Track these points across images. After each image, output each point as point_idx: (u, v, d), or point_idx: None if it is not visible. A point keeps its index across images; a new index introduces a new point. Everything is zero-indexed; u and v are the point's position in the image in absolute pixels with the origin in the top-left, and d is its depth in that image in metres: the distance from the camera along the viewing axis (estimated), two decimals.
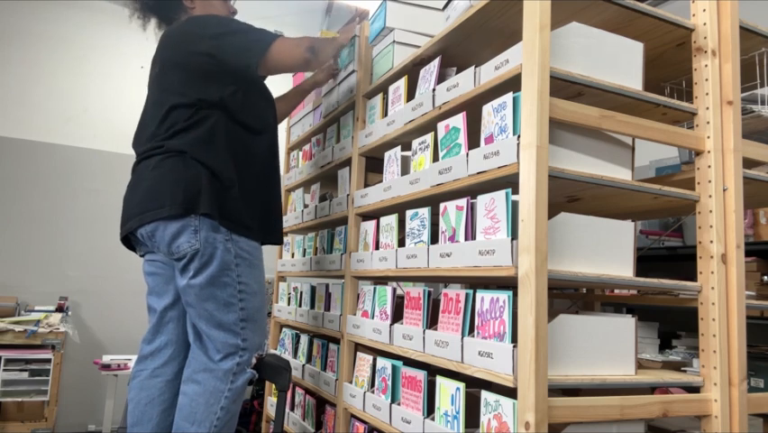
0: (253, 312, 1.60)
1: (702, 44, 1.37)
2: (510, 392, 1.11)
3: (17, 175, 3.73)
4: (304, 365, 2.20)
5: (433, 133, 1.54)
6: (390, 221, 1.68)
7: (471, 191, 1.36)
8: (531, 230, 1.07)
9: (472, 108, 1.40)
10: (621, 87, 1.26)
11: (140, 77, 3.99)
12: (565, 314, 1.15)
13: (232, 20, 1.72)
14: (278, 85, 2.28)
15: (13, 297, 3.51)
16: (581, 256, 1.19)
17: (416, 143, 1.60)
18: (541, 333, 1.04)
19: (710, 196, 1.31)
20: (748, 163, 1.39)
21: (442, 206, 1.42)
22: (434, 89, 1.53)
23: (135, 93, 3.92)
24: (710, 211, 1.30)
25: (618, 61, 1.28)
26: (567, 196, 1.43)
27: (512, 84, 1.23)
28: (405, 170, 1.68)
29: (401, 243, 1.60)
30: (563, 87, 1.23)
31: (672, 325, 2.32)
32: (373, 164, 2.01)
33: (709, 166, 1.32)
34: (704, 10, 1.38)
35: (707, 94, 1.35)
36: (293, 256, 2.59)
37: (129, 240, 1.70)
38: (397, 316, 1.60)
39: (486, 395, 1.19)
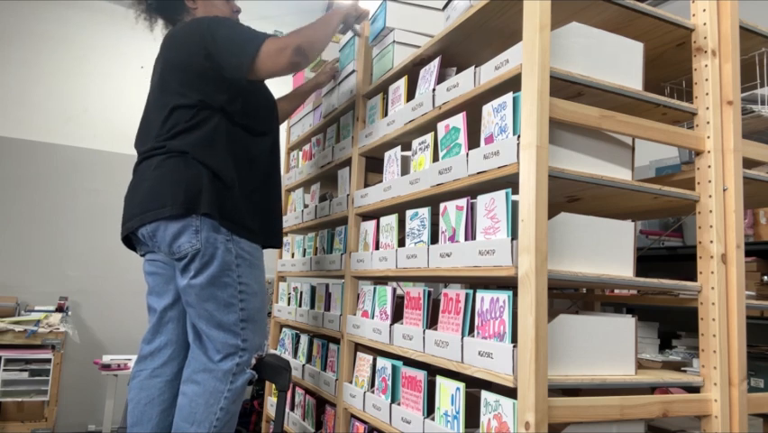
0: (253, 313, 1.60)
1: (702, 44, 1.37)
2: (510, 392, 1.11)
3: (17, 175, 3.73)
4: (304, 365, 2.20)
5: (433, 133, 1.54)
6: (390, 221, 1.68)
7: (471, 191, 1.36)
8: (531, 230, 1.07)
9: (472, 108, 1.40)
10: (621, 87, 1.26)
11: (140, 77, 4.01)
12: (565, 314, 1.15)
13: (226, 21, 1.67)
14: (279, 85, 2.28)
15: (13, 297, 3.52)
16: (581, 256, 1.19)
17: (415, 143, 1.60)
18: (541, 333, 1.04)
19: (710, 196, 1.31)
20: (748, 163, 1.39)
21: (442, 206, 1.42)
22: (434, 89, 1.53)
23: (135, 93, 3.92)
24: (710, 211, 1.30)
25: (618, 61, 1.28)
26: (567, 196, 1.43)
27: (512, 84, 1.23)
28: (405, 170, 1.67)
29: (401, 243, 1.60)
30: (563, 87, 1.23)
31: (672, 325, 2.32)
32: (373, 164, 2.01)
33: (709, 166, 1.32)
34: (704, 10, 1.38)
35: (707, 94, 1.35)
36: (293, 256, 2.59)
37: (130, 240, 1.70)
38: (397, 316, 1.60)
39: (486, 395, 1.19)
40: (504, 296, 1.18)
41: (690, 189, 1.33)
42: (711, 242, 1.29)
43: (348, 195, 1.98)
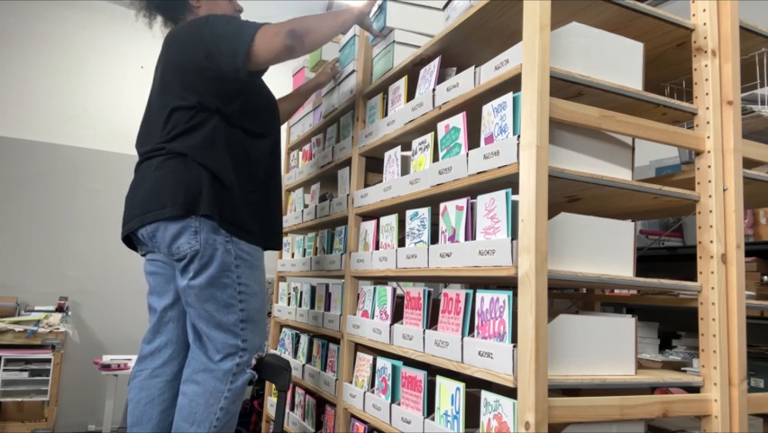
0: (253, 313, 1.60)
1: (702, 44, 1.37)
2: (510, 392, 1.11)
3: (17, 175, 3.73)
4: (304, 365, 2.20)
5: (433, 133, 1.54)
6: (390, 221, 1.68)
7: (471, 191, 1.36)
8: (531, 230, 1.07)
9: (472, 108, 1.40)
10: (621, 87, 1.26)
11: (140, 77, 4.01)
12: (565, 314, 1.15)
13: (221, 18, 1.64)
14: (279, 85, 2.29)
15: (13, 297, 3.52)
16: (581, 256, 1.19)
17: (415, 143, 1.60)
18: (541, 333, 1.04)
19: (710, 196, 1.31)
20: (748, 163, 1.39)
21: (442, 206, 1.42)
22: (434, 89, 1.53)
23: (135, 93, 3.93)
24: (710, 211, 1.30)
25: (618, 61, 1.28)
26: (567, 196, 1.43)
27: (512, 84, 1.23)
28: (405, 170, 1.67)
29: (401, 243, 1.60)
30: (563, 87, 1.23)
31: (672, 325, 2.32)
32: (373, 164, 2.01)
33: (709, 166, 1.32)
34: (704, 10, 1.38)
35: (707, 94, 1.35)
36: (293, 256, 2.59)
37: (130, 239, 1.70)
38: (397, 316, 1.60)
39: (486, 395, 1.19)
40: (504, 296, 1.18)
41: (690, 189, 1.33)
42: (711, 242, 1.29)
43: (348, 195, 1.98)
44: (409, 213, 1.57)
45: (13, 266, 3.66)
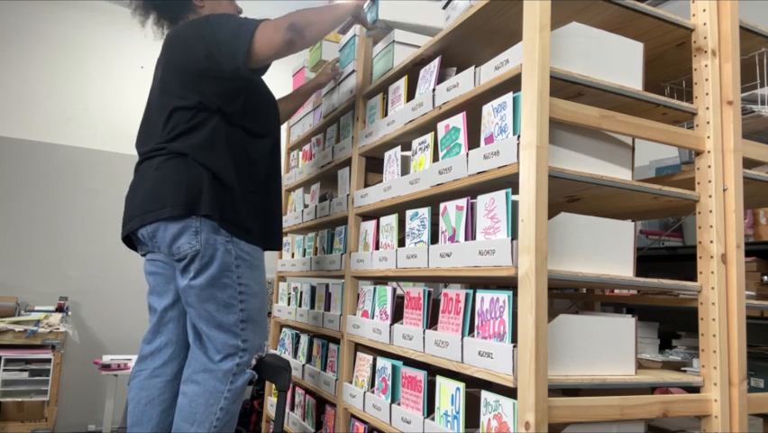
0: (254, 313, 1.60)
1: (702, 44, 1.37)
2: (510, 392, 1.11)
3: (17, 175, 3.73)
4: (304, 365, 2.20)
5: (433, 133, 1.54)
6: (390, 221, 1.68)
7: (471, 191, 1.36)
8: (531, 230, 1.07)
9: (472, 108, 1.40)
10: (621, 87, 1.26)
11: (140, 77, 4.01)
12: (565, 314, 1.15)
13: (221, 18, 1.64)
14: (279, 86, 2.29)
15: (13, 297, 3.51)
16: (581, 256, 1.19)
17: (415, 143, 1.60)
18: (541, 333, 1.04)
19: (710, 196, 1.31)
20: (748, 163, 1.39)
21: (442, 206, 1.42)
22: (434, 89, 1.53)
23: (135, 93, 3.93)
24: (710, 211, 1.30)
25: (618, 61, 1.28)
26: (567, 196, 1.43)
27: (512, 84, 1.23)
28: (405, 170, 1.67)
29: (401, 243, 1.60)
30: (563, 87, 1.23)
31: (672, 325, 2.32)
32: (373, 164, 2.01)
33: (709, 166, 1.32)
34: (704, 10, 1.38)
35: (707, 94, 1.35)
36: (293, 256, 2.59)
37: (130, 239, 1.70)
38: (397, 316, 1.60)
39: (486, 395, 1.19)
40: (504, 296, 1.18)
41: (690, 189, 1.33)
42: (711, 242, 1.29)
43: (348, 195, 1.98)
44: (409, 213, 1.57)
45: (13, 266, 3.66)
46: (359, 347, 1.85)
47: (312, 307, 2.26)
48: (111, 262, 3.83)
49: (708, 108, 1.34)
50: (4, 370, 3.01)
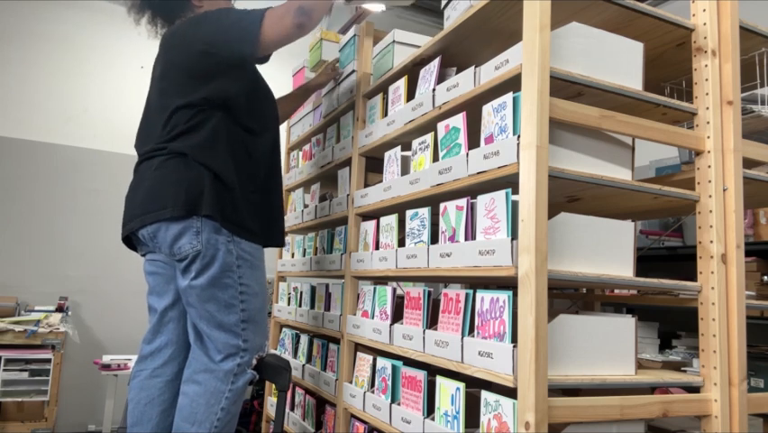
0: (254, 313, 1.60)
1: (702, 44, 1.37)
2: (510, 392, 1.11)
3: (17, 175, 3.73)
4: (304, 365, 2.20)
5: (433, 133, 1.54)
6: (390, 221, 1.68)
7: (471, 191, 1.36)
8: (531, 230, 1.07)
9: (472, 108, 1.40)
10: (621, 87, 1.26)
11: (140, 77, 4.00)
12: (565, 314, 1.15)
13: (222, 14, 1.65)
14: (279, 85, 2.29)
15: (13, 297, 3.51)
16: (581, 256, 1.19)
17: (415, 143, 1.60)
18: (541, 333, 1.04)
19: (710, 196, 1.31)
20: (748, 163, 1.39)
21: (442, 206, 1.42)
22: (434, 89, 1.53)
23: (135, 93, 3.92)
24: (710, 211, 1.30)
25: (618, 61, 1.28)
26: (567, 196, 1.43)
27: (512, 84, 1.23)
28: (405, 170, 1.67)
29: (401, 243, 1.60)
30: (563, 87, 1.23)
31: (672, 325, 2.32)
32: (373, 164, 2.01)
33: (709, 166, 1.32)
34: (704, 10, 1.38)
35: (707, 94, 1.35)
36: (293, 256, 2.59)
37: (130, 240, 1.70)
38: (397, 316, 1.60)
39: (486, 395, 1.19)
40: (504, 296, 1.18)
41: (690, 189, 1.33)
42: (711, 242, 1.29)
43: (348, 195, 1.98)
44: (409, 213, 1.57)
45: (13, 266, 3.66)
46: (359, 347, 1.85)
47: (312, 307, 2.26)
48: (111, 262, 3.83)
49: (708, 108, 1.34)
50: (4, 370, 3.01)
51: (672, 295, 1.72)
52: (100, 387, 3.64)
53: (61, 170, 3.85)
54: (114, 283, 3.86)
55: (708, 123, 1.34)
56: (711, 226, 1.30)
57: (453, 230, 1.36)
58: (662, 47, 1.48)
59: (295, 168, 2.69)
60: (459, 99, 1.42)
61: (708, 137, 1.33)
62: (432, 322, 1.44)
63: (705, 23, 1.37)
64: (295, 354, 2.39)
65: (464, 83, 1.40)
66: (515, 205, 1.17)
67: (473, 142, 1.36)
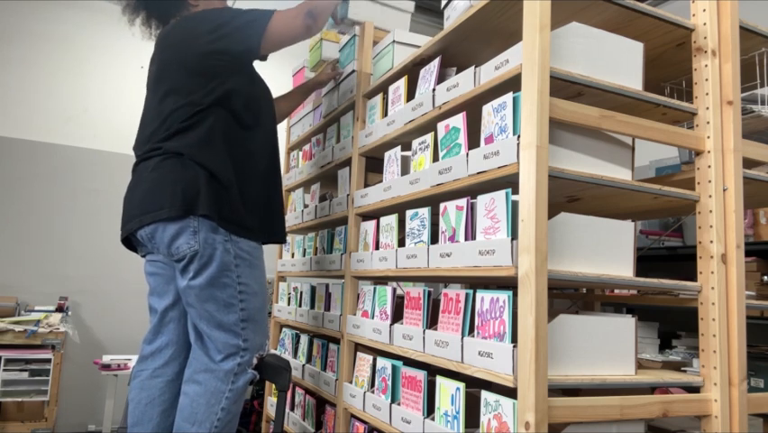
0: (254, 312, 1.60)
1: (702, 44, 1.37)
2: (510, 392, 1.11)
3: (17, 175, 3.73)
4: (304, 365, 2.20)
5: (433, 133, 1.54)
6: (390, 221, 1.68)
7: (471, 191, 1.36)
8: (531, 230, 1.07)
9: (472, 108, 1.40)
10: (621, 87, 1.26)
11: (140, 77, 3.99)
12: (565, 314, 1.15)
13: (224, 10, 1.70)
14: (279, 85, 2.29)
15: (13, 297, 3.51)
16: (581, 256, 1.19)
17: (415, 143, 1.60)
18: (541, 333, 1.04)
19: (710, 196, 1.31)
20: (748, 163, 1.39)
21: (442, 206, 1.42)
22: (434, 89, 1.53)
23: (135, 93, 3.92)
24: (710, 211, 1.30)
25: (618, 61, 1.28)
26: (567, 196, 1.43)
27: (512, 84, 1.23)
28: (405, 170, 1.67)
29: (401, 243, 1.60)
30: (563, 87, 1.23)
31: (672, 325, 2.32)
32: (373, 164, 2.01)
33: (709, 166, 1.32)
34: (704, 10, 1.38)
35: (707, 94, 1.35)
36: (293, 256, 2.59)
37: (130, 241, 1.70)
38: (397, 316, 1.60)
39: (486, 395, 1.19)
40: (504, 296, 1.18)
41: (690, 189, 1.33)
42: (711, 242, 1.29)
43: (348, 195, 1.98)
44: (409, 213, 1.57)
45: (13, 266, 3.66)
46: (359, 347, 1.85)
47: (312, 307, 2.26)
48: (111, 262, 3.83)
49: (708, 108, 1.34)
50: (4, 370, 3.01)
51: (672, 295, 1.72)
52: (100, 387, 3.64)
53: (61, 170, 3.85)
54: (114, 283, 3.86)
55: (708, 123, 1.34)
56: (711, 226, 1.30)
57: (453, 230, 1.36)
58: (662, 47, 1.48)
59: (295, 168, 2.69)
60: (459, 99, 1.42)
61: (708, 137, 1.33)
62: (432, 322, 1.44)
63: (705, 23, 1.37)
64: (295, 354, 2.39)
65: (464, 83, 1.40)
66: (515, 205, 1.17)
67: (473, 142, 1.36)
